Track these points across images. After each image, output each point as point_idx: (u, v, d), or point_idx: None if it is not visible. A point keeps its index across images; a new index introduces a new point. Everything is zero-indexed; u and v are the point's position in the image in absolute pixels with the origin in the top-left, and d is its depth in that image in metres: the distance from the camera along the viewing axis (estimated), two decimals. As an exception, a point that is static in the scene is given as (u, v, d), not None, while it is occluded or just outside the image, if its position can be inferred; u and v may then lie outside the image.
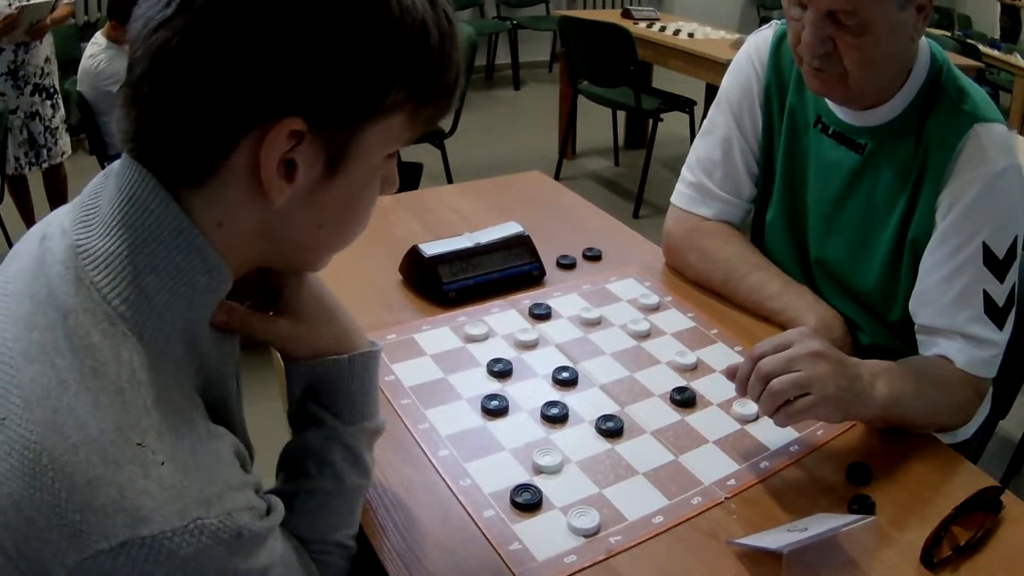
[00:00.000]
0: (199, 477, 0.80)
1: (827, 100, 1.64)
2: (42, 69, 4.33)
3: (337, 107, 0.84)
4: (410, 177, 4.58)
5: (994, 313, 1.49)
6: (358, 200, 0.95)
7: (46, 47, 4.35)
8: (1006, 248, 1.48)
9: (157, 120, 0.82)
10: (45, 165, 4.45)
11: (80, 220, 0.86)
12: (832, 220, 1.70)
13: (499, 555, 1.15)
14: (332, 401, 1.10)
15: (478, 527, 1.19)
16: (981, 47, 7.20)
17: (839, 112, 1.64)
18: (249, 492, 0.86)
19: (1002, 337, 1.50)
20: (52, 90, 4.44)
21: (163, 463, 0.77)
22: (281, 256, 0.97)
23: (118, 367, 0.79)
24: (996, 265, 1.48)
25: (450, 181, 4.76)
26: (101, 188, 0.88)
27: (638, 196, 5.43)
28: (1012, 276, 1.50)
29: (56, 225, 0.89)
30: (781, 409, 1.27)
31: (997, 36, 9.11)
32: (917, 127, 1.55)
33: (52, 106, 4.44)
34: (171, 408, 0.82)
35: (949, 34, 8.09)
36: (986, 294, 1.48)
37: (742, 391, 1.31)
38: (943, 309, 1.51)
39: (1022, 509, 1.27)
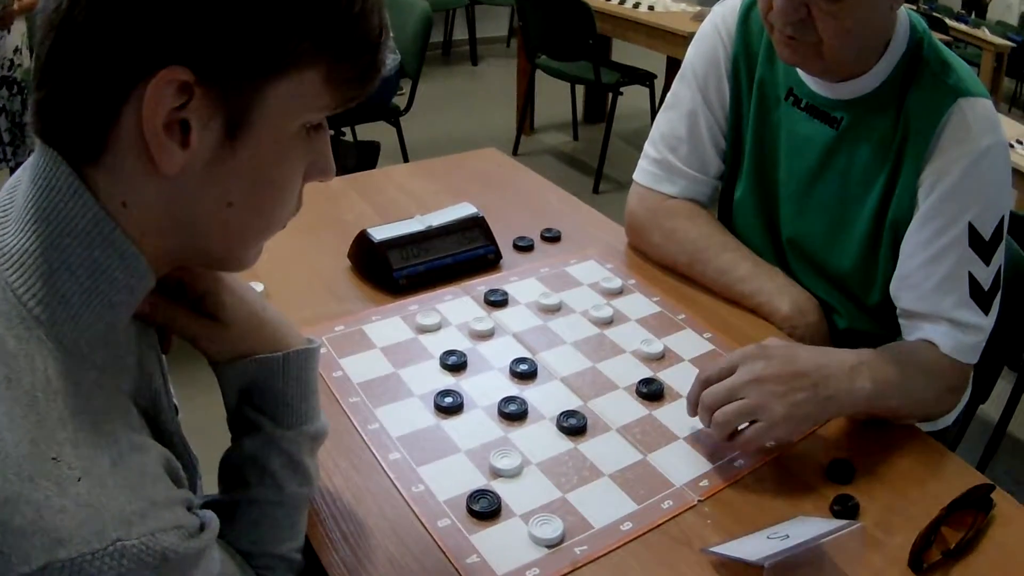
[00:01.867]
0: (119, 494, 0.73)
1: (800, 72, 1.56)
2: (11, 61, 4.14)
3: (228, 56, 0.74)
4: (367, 157, 4.50)
5: (980, 297, 1.43)
6: (270, 175, 0.84)
7: (16, 37, 4.15)
8: (992, 229, 1.42)
9: (50, 84, 0.76)
10: (12, 164, 4.28)
11: None
12: (805, 198, 1.63)
13: (455, 569, 1.07)
14: (268, 404, 1.01)
15: (433, 538, 1.11)
16: (948, 21, 7.21)
17: (812, 84, 1.56)
18: (178, 509, 0.78)
19: (988, 322, 1.44)
20: (22, 84, 4.27)
21: (79, 479, 0.71)
22: (196, 245, 0.86)
23: (32, 376, 0.73)
24: (982, 246, 1.42)
25: (406, 159, 4.68)
26: (18, 181, 0.81)
27: (598, 171, 5.39)
28: (998, 258, 1.44)
29: None
30: (734, 439, 1.24)
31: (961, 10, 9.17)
32: (897, 101, 1.48)
33: (22, 101, 4.26)
34: (90, 419, 0.75)
35: (915, 7, 8.09)
36: (972, 277, 1.42)
37: (693, 413, 1.29)
38: (927, 293, 1.44)
39: (1012, 507, 1.21)
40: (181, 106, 0.74)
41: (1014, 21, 8.65)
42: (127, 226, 0.79)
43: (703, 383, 1.26)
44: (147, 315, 0.90)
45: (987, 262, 1.42)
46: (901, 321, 1.50)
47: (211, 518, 0.84)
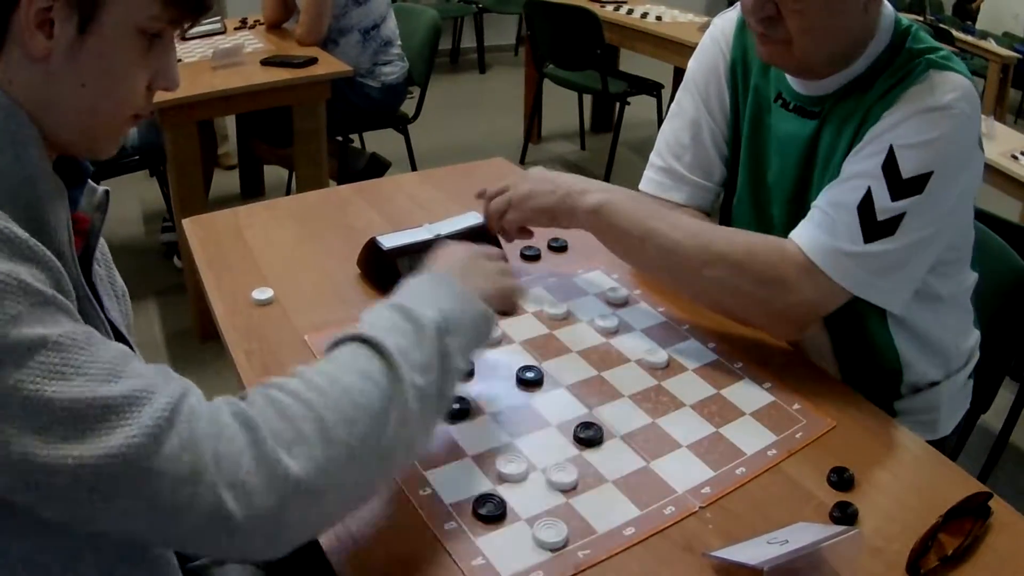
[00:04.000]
0: None
1: (785, 74, 1.60)
2: None
3: None
4: (376, 171, 4.51)
5: (868, 220, 1.40)
6: (113, 63, 0.98)
7: None
8: (914, 172, 1.39)
9: None
10: None
11: None
12: (793, 194, 1.66)
13: (461, 570, 1.08)
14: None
15: (439, 540, 1.13)
16: (954, 32, 7.20)
17: (796, 85, 1.60)
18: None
19: (862, 250, 1.41)
20: None
21: None
22: (63, 126, 0.99)
23: None
24: (895, 177, 1.40)
25: (414, 167, 4.68)
26: None
27: (604, 180, 5.35)
28: (910, 209, 1.40)
29: None
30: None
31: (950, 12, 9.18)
32: (873, 84, 1.50)
33: None
34: None
35: (921, 19, 8.09)
36: (868, 193, 1.40)
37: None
38: (823, 192, 1.47)
39: (1011, 515, 1.21)
40: (48, 8, 0.92)
41: (1021, 32, 8.63)
42: (11, 97, 0.95)
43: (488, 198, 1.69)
44: None
45: (893, 198, 1.39)
46: None
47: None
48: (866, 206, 1.40)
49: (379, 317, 1.10)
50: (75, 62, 0.95)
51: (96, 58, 0.96)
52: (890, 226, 1.40)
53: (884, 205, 1.40)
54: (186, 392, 0.89)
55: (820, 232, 1.43)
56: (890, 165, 1.39)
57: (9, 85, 0.94)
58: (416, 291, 1.17)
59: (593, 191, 1.59)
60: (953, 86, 1.41)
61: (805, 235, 1.44)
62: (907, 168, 1.39)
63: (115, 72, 0.99)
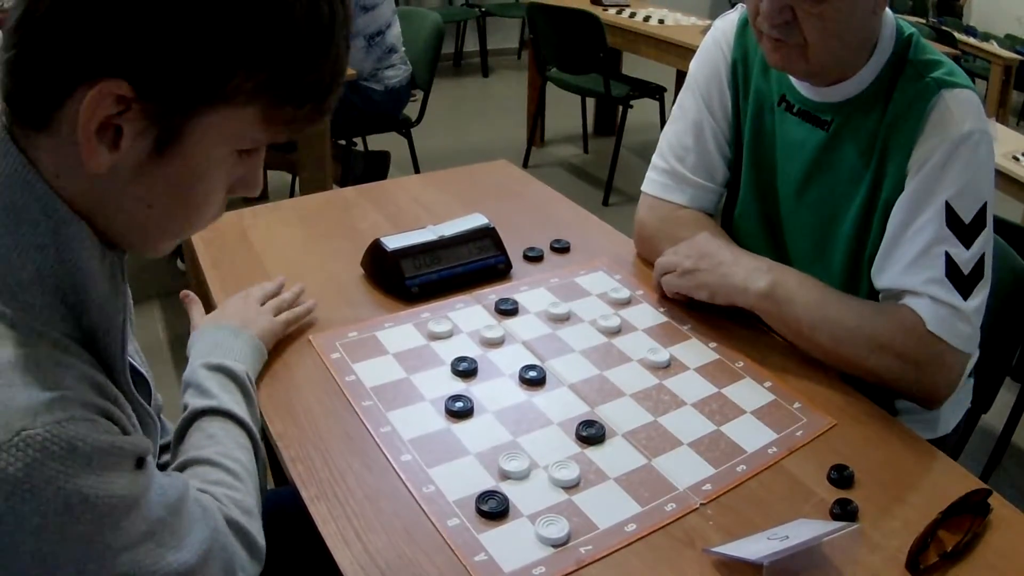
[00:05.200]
0: (28, 390, 0.75)
1: (791, 77, 1.61)
2: None
3: (167, 80, 0.78)
4: (378, 167, 4.52)
5: (958, 280, 1.43)
6: (191, 189, 0.87)
7: None
8: (972, 213, 1.44)
9: (16, 49, 0.79)
10: None
11: None
12: (799, 201, 1.67)
13: (464, 566, 1.09)
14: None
15: (442, 537, 1.13)
16: (957, 34, 7.20)
17: (803, 89, 1.61)
18: (92, 412, 0.80)
19: (969, 307, 1.44)
20: None
21: None
22: (116, 229, 0.89)
23: None
24: (961, 229, 1.43)
25: (417, 170, 4.69)
26: None
27: (608, 184, 5.39)
28: (981, 245, 1.45)
29: None
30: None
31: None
32: (883, 100, 1.52)
33: None
34: (11, 339, 0.79)
35: (924, 21, 8.10)
36: (949, 257, 1.43)
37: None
38: (903, 270, 1.47)
39: (1010, 512, 1.22)
40: (118, 113, 0.78)
41: (1023, 35, 8.64)
42: (58, 191, 0.83)
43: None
44: None
45: (967, 245, 1.43)
46: (882, 302, 1.52)
47: (141, 436, 0.89)
48: (952, 268, 1.43)
49: (211, 382, 1.28)
50: (142, 181, 0.84)
51: (172, 181, 0.85)
52: (978, 271, 1.45)
53: (963, 258, 1.44)
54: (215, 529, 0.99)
55: (936, 306, 1.43)
56: (953, 220, 1.43)
57: (56, 179, 0.82)
58: (218, 345, 1.37)
59: (761, 271, 1.54)
60: (967, 107, 1.45)
61: (923, 309, 1.44)
62: (966, 214, 1.44)
63: (193, 196, 0.88)
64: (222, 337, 1.38)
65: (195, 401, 1.24)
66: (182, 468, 1.14)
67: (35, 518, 0.72)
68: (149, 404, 1.06)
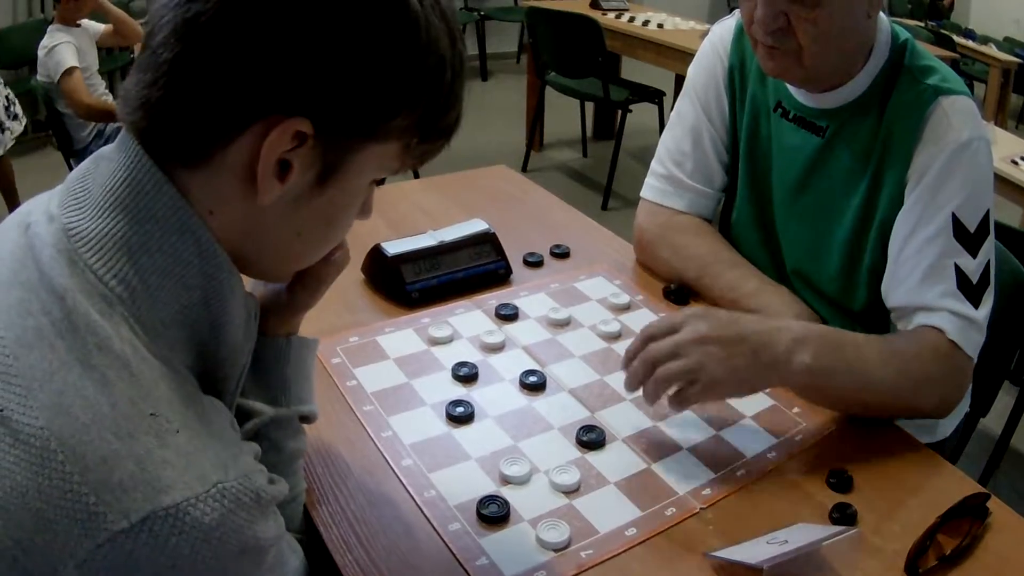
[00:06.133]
0: (213, 443, 0.78)
1: (786, 84, 1.61)
2: None
3: (346, 119, 0.83)
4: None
5: (968, 290, 1.43)
6: (338, 217, 0.93)
7: None
8: (977, 221, 1.44)
9: (169, 89, 0.80)
10: None
11: (70, 204, 0.83)
12: (793, 207, 1.68)
13: (465, 571, 1.10)
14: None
15: (443, 541, 1.14)
16: (955, 37, 7.21)
17: (799, 96, 1.61)
18: (252, 458, 0.85)
19: (980, 316, 1.44)
20: None
21: (178, 431, 0.76)
22: (255, 259, 0.93)
23: (121, 343, 0.77)
24: (967, 238, 1.44)
25: (416, 174, 4.68)
26: (90, 171, 0.86)
27: (607, 188, 5.40)
28: (986, 252, 1.45)
29: (39, 212, 0.85)
30: (672, 397, 1.28)
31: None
32: (879, 107, 1.52)
33: None
34: (175, 382, 0.80)
35: (923, 24, 8.11)
36: (958, 268, 1.43)
37: (626, 365, 1.32)
38: (913, 287, 1.46)
39: (1008, 516, 1.23)
40: (291, 149, 0.81)
41: (1022, 37, 8.65)
42: (209, 227, 0.85)
43: (647, 339, 1.30)
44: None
45: (974, 255, 1.44)
46: (895, 323, 1.51)
47: (275, 476, 0.90)
48: (962, 279, 1.43)
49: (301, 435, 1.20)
50: (298, 211, 0.88)
51: (324, 210, 0.90)
52: (985, 279, 1.45)
53: (971, 267, 1.44)
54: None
55: (955, 319, 1.42)
56: (959, 230, 1.44)
57: (209, 215, 0.85)
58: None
59: (793, 339, 1.31)
60: (963, 114, 1.46)
61: (950, 327, 1.42)
62: (971, 223, 1.44)
63: (337, 223, 0.94)
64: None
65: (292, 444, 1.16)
66: None
67: (213, 561, 0.74)
68: None
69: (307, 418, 1.17)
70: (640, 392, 1.33)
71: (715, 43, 1.77)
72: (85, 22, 4.13)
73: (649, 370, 1.27)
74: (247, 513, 0.76)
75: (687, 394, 1.27)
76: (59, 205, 0.84)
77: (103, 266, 0.80)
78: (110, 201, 0.82)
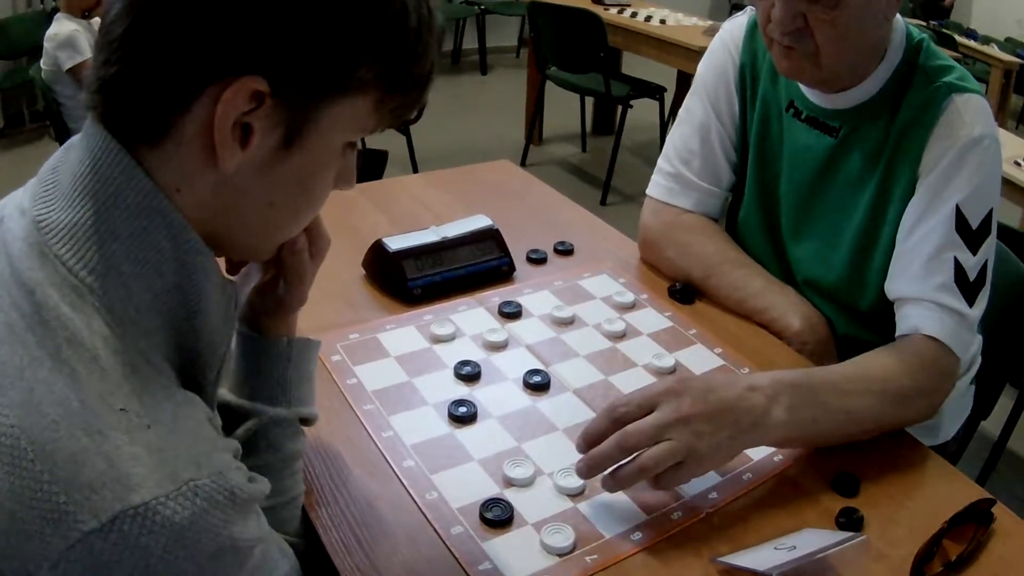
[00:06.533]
0: (185, 438, 0.76)
1: (799, 84, 1.59)
2: None
3: (303, 74, 0.80)
4: (374, 165, 4.51)
5: (964, 286, 1.42)
6: (311, 183, 0.90)
7: None
8: (980, 219, 1.44)
9: (122, 63, 0.78)
10: None
11: (40, 196, 0.82)
12: (805, 208, 1.66)
13: (468, 575, 1.08)
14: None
15: (446, 545, 1.12)
16: (957, 37, 7.21)
17: (811, 96, 1.60)
18: (231, 455, 0.82)
19: (972, 314, 1.43)
20: None
21: (148, 426, 0.74)
22: (231, 236, 0.90)
23: (91, 336, 0.76)
24: (969, 234, 1.43)
25: (415, 168, 4.69)
26: (60, 162, 0.84)
27: (606, 184, 5.39)
28: (985, 251, 1.44)
29: (12, 207, 0.84)
30: (655, 481, 1.17)
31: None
32: (892, 107, 1.51)
33: None
34: (147, 375, 0.79)
35: (924, 24, 8.10)
36: (957, 262, 1.42)
37: (585, 450, 1.19)
38: (912, 276, 1.45)
39: (1013, 522, 1.22)
40: (249, 111, 0.79)
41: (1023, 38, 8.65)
42: (178, 206, 0.83)
43: (617, 421, 1.18)
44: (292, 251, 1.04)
45: (973, 251, 1.43)
46: (896, 312, 1.49)
47: (255, 475, 0.87)
48: (959, 274, 1.42)
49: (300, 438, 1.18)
50: (267, 178, 0.85)
51: (294, 176, 0.86)
52: (981, 278, 1.44)
53: (970, 264, 1.43)
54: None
55: (944, 316, 1.41)
56: (962, 224, 1.43)
57: (176, 194, 0.82)
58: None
59: (766, 397, 1.24)
60: (977, 111, 1.45)
61: (932, 325, 1.41)
62: (974, 219, 1.43)
63: (311, 191, 0.91)
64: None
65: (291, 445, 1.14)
66: None
67: (186, 564, 0.72)
68: None
69: (307, 420, 1.15)
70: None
71: (726, 40, 1.75)
72: (95, 21, 4.12)
73: (625, 455, 1.16)
74: (221, 512, 0.75)
75: (673, 476, 1.16)
76: (31, 198, 0.83)
77: (73, 256, 0.78)
78: (79, 190, 0.80)
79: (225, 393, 1.10)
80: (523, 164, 5.80)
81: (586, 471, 1.18)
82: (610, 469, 1.17)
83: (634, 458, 1.15)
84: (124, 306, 0.79)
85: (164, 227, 0.81)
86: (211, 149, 0.80)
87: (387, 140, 4.60)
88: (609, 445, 1.16)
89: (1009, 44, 7.99)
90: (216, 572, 0.76)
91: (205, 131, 0.79)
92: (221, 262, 0.97)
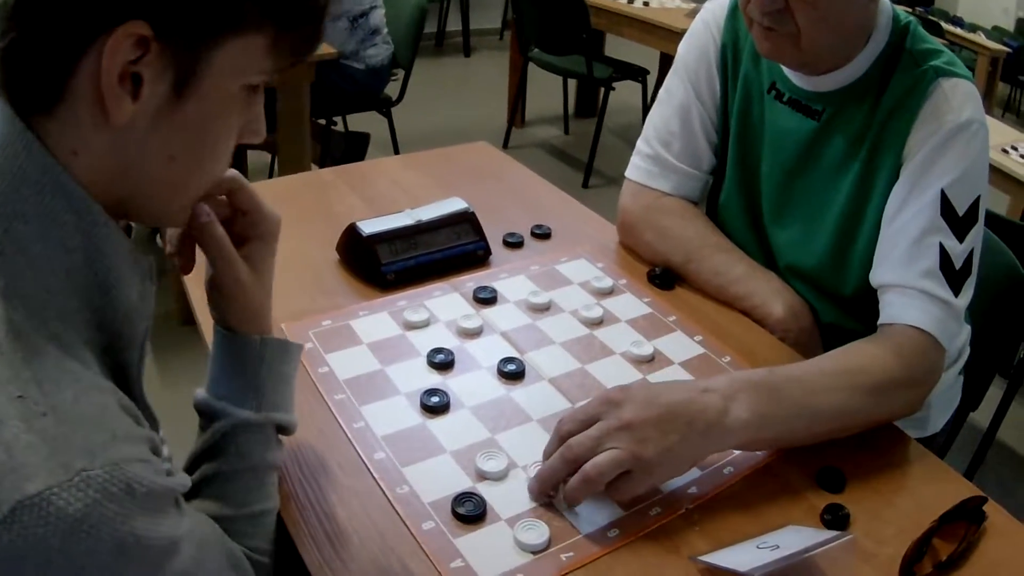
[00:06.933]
0: (83, 427, 0.73)
1: (781, 66, 1.56)
2: None
3: (186, 14, 0.77)
4: (356, 148, 4.48)
5: (950, 273, 1.38)
6: (210, 132, 0.87)
7: None
8: (966, 205, 1.40)
9: (12, 31, 0.76)
10: None
11: None
12: (786, 191, 1.63)
13: (439, 573, 1.05)
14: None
15: (417, 541, 1.09)
16: (944, 24, 7.20)
17: (794, 78, 1.56)
18: (141, 446, 0.78)
19: (958, 303, 1.39)
20: None
21: (44, 413, 0.71)
22: (137, 199, 0.87)
23: None
24: (955, 220, 1.39)
25: (397, 151, 4.65)
26: None
27: (588, 166, 5.37)
28: (972, 239, 1.40)
29: None
30: (607, 492, 1.13)
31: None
32: (877, 90, 1.48)
33: None
34: (53, 359, 0.76)
35: (910, 10, 8.09)
36: (942, 248, 1.39)
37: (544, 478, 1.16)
38: (896, 262, 1.41)
39: (1005, 520, 1.19)
40: (136, 60, 0.76)
41: (1010, 26, 8.65)
42: (77, 174, 0.81)
43: (563, 438, 1.15)
44: (197, 228, 1.00)
45: (960, 239, 1.39)
46: (880, 299, 1.45)
47: (178, 471, 0.85)
48: (945, 260, 1.39)
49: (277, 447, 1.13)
50: (164, 130, 0.82)
51: (191, 125, 0.84)
52: (967, 267, 1.40)
53: (956, 251, 1.39)
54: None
55: (927, 304, 1.37)
56: (947, 210, 1.39)
57: (72, 157, 0.80)
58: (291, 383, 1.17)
59: (722, 397, 1.20)
60: (964, 96, 1.42)
61: (912, 314, 1.37)
62: (960, 205, 1.40)
63: (212, 140, 0.88)
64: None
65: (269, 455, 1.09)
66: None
67: (87, 559, 0.69)
68: None
69: (284, 429, 1.10)
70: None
71: (708, 20, 1.71)
72: None
73: (571, 468, 1.12)
74: (117, 505, 0.71)
75: (625, 487, 1.12)
76: None
77: None
78: None
79: (200, 392, 1.07)
80: (505, 147, 5.77)
81: (537, 490, 1.16)
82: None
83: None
84: (36, 287, 0.77)
85: (64, 199, 0.79)
86: (103, 105, 0.78)
87: (369, 123, 4.58)
88: (554, 459, 1.14)
89: (996, 32, 7.98)
90: (122, 572, 0.72)
91: (95, 87, 0.77)
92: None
